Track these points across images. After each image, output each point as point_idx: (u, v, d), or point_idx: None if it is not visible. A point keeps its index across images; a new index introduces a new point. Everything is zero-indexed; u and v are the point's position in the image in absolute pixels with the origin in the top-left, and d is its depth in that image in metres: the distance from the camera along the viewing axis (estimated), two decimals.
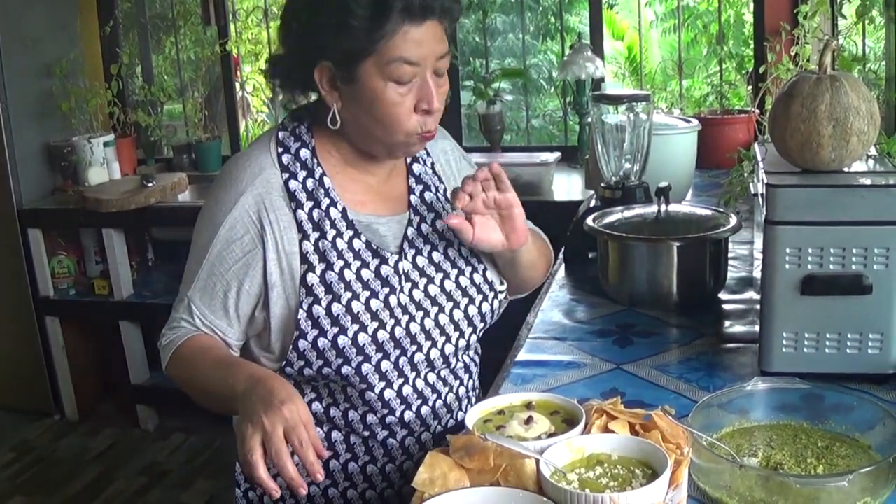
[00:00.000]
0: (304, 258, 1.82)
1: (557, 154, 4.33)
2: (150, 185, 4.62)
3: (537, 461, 1.43)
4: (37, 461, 4.65)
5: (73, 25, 5.02)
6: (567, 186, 4.30)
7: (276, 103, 6.58)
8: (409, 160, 2.02)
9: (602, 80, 4.56)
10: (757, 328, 1.91)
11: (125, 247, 4.79)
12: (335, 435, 1.92)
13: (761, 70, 3.90)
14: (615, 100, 2.84)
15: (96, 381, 5.18)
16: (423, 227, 1.96)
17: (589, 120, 3.91)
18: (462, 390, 2.03)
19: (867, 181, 1.77)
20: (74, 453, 4.71)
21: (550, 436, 1.53)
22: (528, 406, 1.65)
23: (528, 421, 1.56)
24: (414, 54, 1.73)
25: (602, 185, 2.79)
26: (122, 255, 4.76)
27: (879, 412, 1.55)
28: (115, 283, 4.78)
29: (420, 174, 2.02)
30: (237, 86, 5.50)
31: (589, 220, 2.46)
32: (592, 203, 2.86)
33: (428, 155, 2.06)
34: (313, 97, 1.92)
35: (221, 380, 1.75)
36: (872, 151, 1.93)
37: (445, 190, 2.04)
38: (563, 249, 2.75)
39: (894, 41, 3.46)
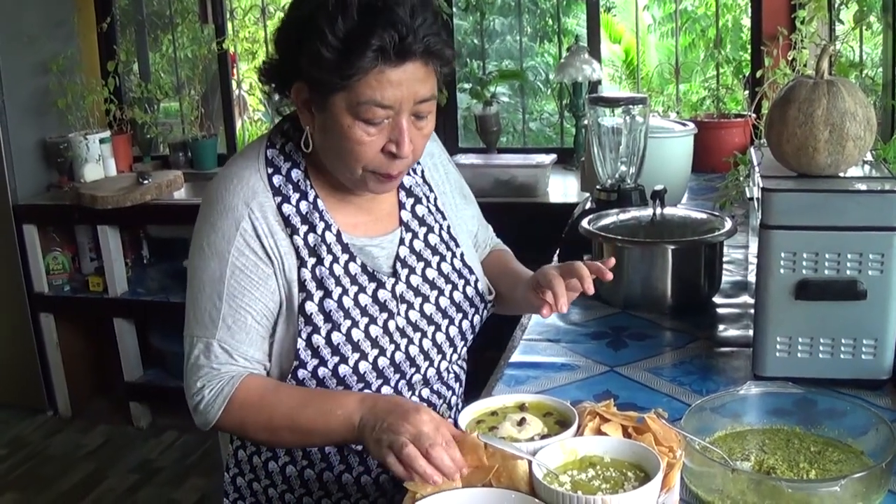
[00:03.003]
0: (301, 286, 1.77)
1: (553, 156, 4.33)
2: (146, 182, 4.62)
3: (530, 462, 1.43)
4: (29, 457, 4.64)
5: (70, 22, 5.02)
6: (563, 189, 4.29)
7: (272, 102, 6.59)
8: None
9: (599, 82, 4.56)
10: (751, 332, 1.91)
11: (120, 244, 4.79)
12: (329, 447, 1.89)
13: (758, 74, 3.91)
14: (612, 102, 2.84)
15: (90, 377, 5.17)
16: (416, 243, 1.93)
17: (585, 122, 3.91)
18: (454, 399, 2.03)
19: (863, 186, 1.77)
20: (67, 450, 4.71)
21: (543, 437, 1.53)
22: (522, 407, 1.65)
23: (521, 422, 1.56)
24: (388, 97, 1.64)
25: (598, 187, 2.79)
26: (116, 252, 4.76)
27: (872, 418, 1.55)
28: (109, 279, 4.77)
29: (410, 186, 1.97)
30: (234, 84, 5.49)
31: (584, 223, 2.46)
32: (588, 205, 2.85)
33: (417, 163, 1.99)
34: None
35: (323, 413, 1.67)
36: (868, 157, 1.93)
37: (436, 199, 2.01)
38: (557, 251, 2.75)
39: (891, 47, 3.47)
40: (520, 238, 2.32)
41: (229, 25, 5.23)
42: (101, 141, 4.86)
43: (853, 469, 1.50)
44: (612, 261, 1.82)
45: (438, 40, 1.67)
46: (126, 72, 5.44)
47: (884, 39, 3.66)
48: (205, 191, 1.86)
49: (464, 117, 5.35)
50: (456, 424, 1.63)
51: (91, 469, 4.50)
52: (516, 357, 2.11)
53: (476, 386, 2.07)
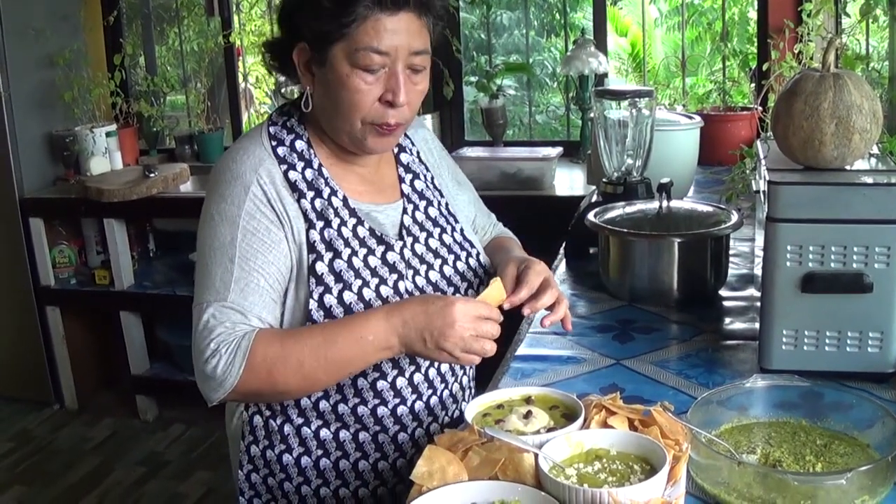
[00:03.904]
0: (311, 248, 1.80)
1: (559, 149, 4.33)
2: (152, 175, 4.62)
3: (536, 455, 1.43)
4: (36, 451, 4.66)
5: (77, 15, 5.02)
6: (569, 181, 4.30)
7: (277, 95, 6.59)
8: (396, 150, 2.02)
9: (605, 75, 4.55)
10: (757, 325, 1.91)
11: (126, 237, 4.79)
12: (343, 434, 1.90)
13: (764, 67, 3.90)
14: (618, 95, 2.84)
15: (96, 371, 5.18)
16: (417, 214, 1.98)
17: (591, 115, 3.90)
18: (465, 380, 2.05)
19: (869, 179, 1.77)
20: (74, 443, 4.72)
21: (549, 430, 1.53)
22: (528, 400, 1.66)
23: (527, 415, 1.57)
24: (384, 44, 1.72)
25: (604, 180, 2.79)
26: (123, 246, 4.76)
27: (878, 411, 1.55)
28: (115, 273, 4.78)
29: (408, 163, 2.04)
30: (240, 77, 5.50)
31: (590, 216, 2.46)
32: (594, 198, 2.86)
33: (413, 144, 2.07)
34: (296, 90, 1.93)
35: (354, 342, 1.70)
36: (875, 150, 1.93)
37: (433, 178, 2.07)
38: (563, 244, 2.75)
39: None
40: (526, 231, 2.33)
41: (235, 18, 5.23)
42: (108, 134, 4.87)
43: (859, 462, 1.50)
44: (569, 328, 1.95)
45: None
46: (132, 65, 5.44)
47: (890, 32, 3.65)
48: (211, 172, 1.89)
49: (470, 110, 5.34)
50: (462, 417, 1.64)
51: (97, 462, 4.51)
52: (522, 350, 2.11)
53: (482, 379, 2.07)
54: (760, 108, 3.73)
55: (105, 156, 4.84)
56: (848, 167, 1.82)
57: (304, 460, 1.91)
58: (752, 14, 5.72)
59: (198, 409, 4.76)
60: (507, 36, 8.82)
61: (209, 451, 4.55)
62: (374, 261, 1.85)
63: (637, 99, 2.73)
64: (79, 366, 5.04)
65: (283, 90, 1.99)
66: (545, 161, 4.16)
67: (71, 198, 4.72)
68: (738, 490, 1.40)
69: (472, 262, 2.01)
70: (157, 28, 5.76)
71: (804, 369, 1.76)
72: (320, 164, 1.88)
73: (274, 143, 1.86)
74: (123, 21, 5.36)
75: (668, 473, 1.38)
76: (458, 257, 1.99)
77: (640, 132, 2.73)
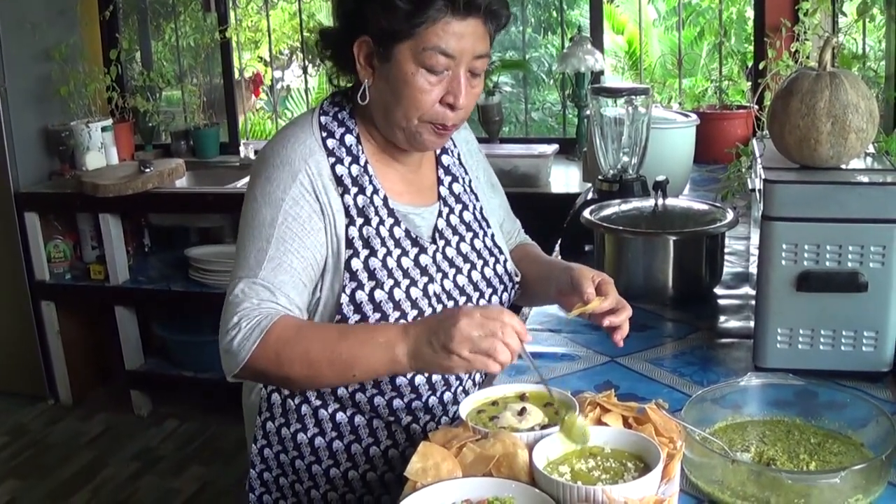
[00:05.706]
0: (349, 243, 1.83)
1: (555, 146, 4.32)
2: (148, 170, 4.62)
3: (530, 452, 1.43)
4: (31, 445, 4.65)
5: (73, 10, 5.00)
6: (564, 179, 4.30)
7: (274, 91, 6.58)
8: (438, 151, 2.04)
9: (601, 73, 4.55)
10: (752, 324, 1.91)
11: (122, 232, 4.78)
12: (358, 419, 1.94)
13: (761, 66, 3.90)
14: (614, 93, 2.83)
15: (91, 366, 5.17)
16: (452, 218, 2.00)
17: (587, 113, 3.90)
18: (478, 376, 2.06)
19: (865, 179, 1.77)
20: (68, 438, 4.71)
21: (544, 427, 1.53)
22: (522, 397, 1.66)
23: (522, 412, 1.57)
24: (451, 46, 1.76)
25: (599, 177, 2.79)
26: (118, 241, 4.75)
27: (873, 410, 1.55)
28: (111, 268, 4.77)
29: (449, 165, 2.06)
30: (236, 73, 5.48)
31: (586, 213, 2.46)
32: (590, 196, 2.85)
33: (455, 146, 2.10)
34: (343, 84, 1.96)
35: (364, 342, 1.69)
36: (871, 149, 1.93)
37: (470, 181, 2.09)
38: (559, 242, 2.75)
39: (894, 39, 3.46)
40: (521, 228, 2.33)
41: (232, 14, 5.22)
42: (103, 129, 4.86)
43: (853, 461, 1.50)
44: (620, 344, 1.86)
45: (499, 2, 1.82)
46: (128, 60, 5.43)
47: (887, 32, 3.66)
48: (258, 155, 1.93)
49: None
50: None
51: (92, 457, 4.51)
52: None
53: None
54: (757, 107, 3.74)
55: (101, 151, 4.83)
56: (844, 166, 1.82)
57: (318, 441, 1.95)
58: (750, 13, 5.72)
59: (192, 404, 4.79)
60: (503, 33, 8.81)
61: (203, 446, 4.55)
62: (406, 262, 1.88)
63: (633, 96, 2.73)
64: (73, 361, 5.03)
65: (331, 77, 2.01)
66: (541, 158, 4.16)
67: (66, 192, 4.71)
68: (732, 488, 1.40)
69: (499, 268, 2.04)
70: (154, 23, 5.73)
71: (799, 368, 1.76)
72: (367, 161, 1.91)
73: (324, 135, 1.90)
74: (120, 16, 5.35)
75: (662, 471, 1.38)
76: (486, 263, 2.02)
77: (636, 130, 2.73)
